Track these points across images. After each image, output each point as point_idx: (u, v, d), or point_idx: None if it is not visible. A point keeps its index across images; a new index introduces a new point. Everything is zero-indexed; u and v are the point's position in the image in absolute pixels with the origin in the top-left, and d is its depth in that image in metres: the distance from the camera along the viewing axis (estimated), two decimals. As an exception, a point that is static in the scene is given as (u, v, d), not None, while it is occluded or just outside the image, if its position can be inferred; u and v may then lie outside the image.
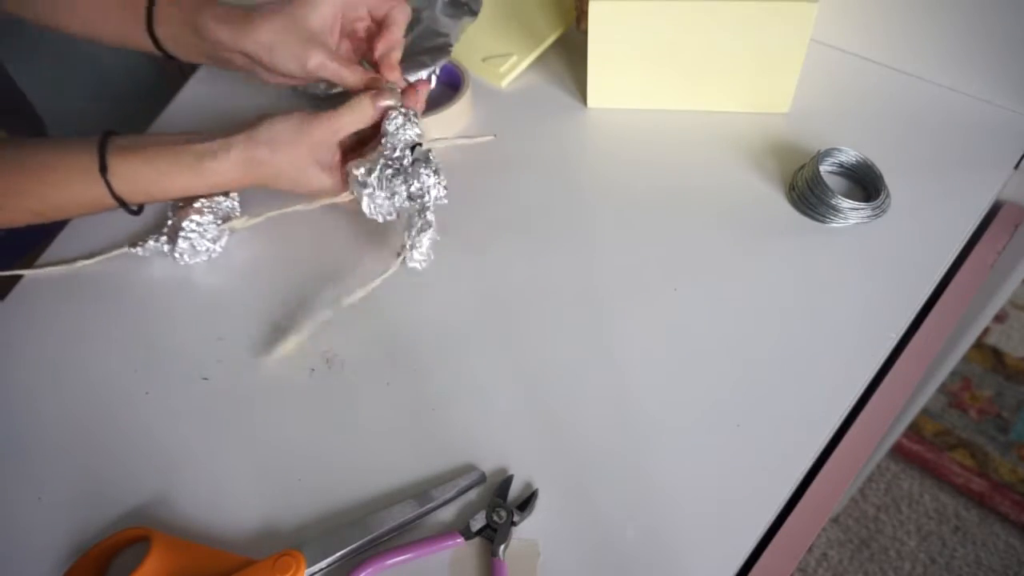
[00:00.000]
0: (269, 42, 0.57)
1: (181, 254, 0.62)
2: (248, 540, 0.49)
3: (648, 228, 0.64)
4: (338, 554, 0.47)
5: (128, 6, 0.61)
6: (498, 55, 0.78)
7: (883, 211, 0.62)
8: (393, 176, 0.56)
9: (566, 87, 0.76)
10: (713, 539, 0.48)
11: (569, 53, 0.79)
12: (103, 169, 0.55)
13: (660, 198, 0.66)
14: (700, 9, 0.64)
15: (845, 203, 0.61)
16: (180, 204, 0.62)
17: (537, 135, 0.71)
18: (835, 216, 0.62)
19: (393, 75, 0.60)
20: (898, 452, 1.49)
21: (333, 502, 0.50)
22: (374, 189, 0.56)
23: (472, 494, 0.50)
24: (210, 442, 0.54)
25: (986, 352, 1.60)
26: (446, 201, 0.58)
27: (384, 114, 0.58)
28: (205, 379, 0.57)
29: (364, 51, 0.63)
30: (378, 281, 0.58)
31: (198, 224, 0.61)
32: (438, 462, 0.51)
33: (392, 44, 0.60)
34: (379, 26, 0.61)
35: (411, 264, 0.57)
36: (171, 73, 1.17)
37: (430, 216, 0.57)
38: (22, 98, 0.77)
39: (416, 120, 0.58)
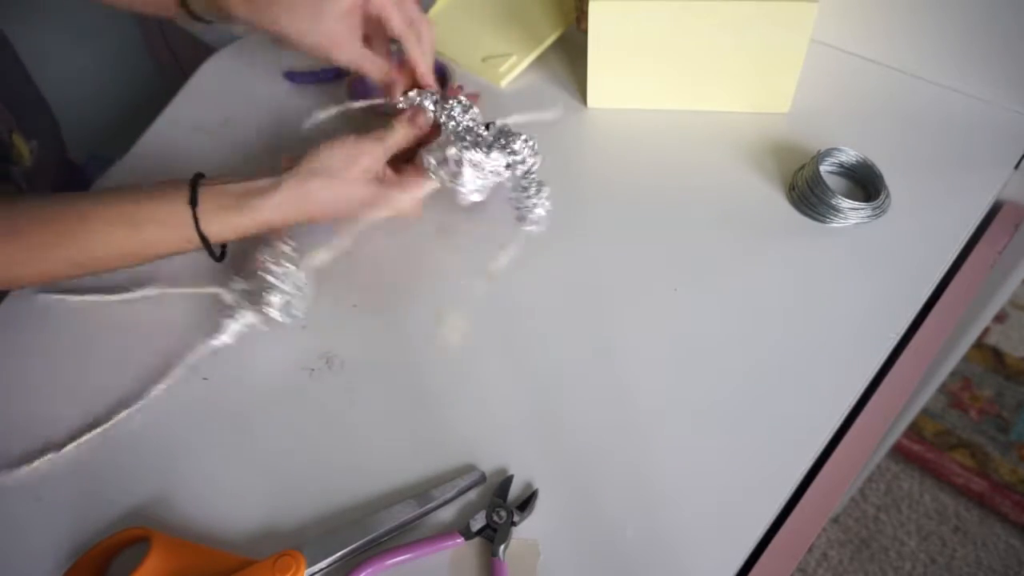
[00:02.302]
0: (291, 31, 0.58)
1: (280, 311, 0.56)
2: (248, 540, 0.49)
3: (648, 228, 0.64)
4: (338, 554, 0.47)
5: None
6: (498, 55, 0.78)
7: (883, 211, 0.62)
8: (483, 151, 0.56)
9: (566, 87, 0.76)
10: (713, 539, 0.48)
11: (569, 53, 0.79)
12: (193, 202, 0.53)
13: (660, 198, 0.66)
14: (700, 9, 0.64)
15: (845, 203, 0.61)
16: (240, 276, 0.58)
17: (537, 135, 0.71)
18: (835, 216, 0.62)
19: (427, 80, 0.63)
20: (898, 452, 1.49)
21: (333, 502, 0.50)
22: (465, 167, 0.56)
23: (472, 494, 0.50)
24: (210, 442, 0.54)
25: (986, 352, 1.60)
26: (539, 166, 0.59)
27: (435, 116, 0.61)
28: (205, 379, 0.57)
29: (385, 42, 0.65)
30: (515, 247, 0.59)
31: (281, 270, 0.56)
32: (438, 462, 0.51)
33: (425, 49, 0.62)
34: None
35: (529, 227, 0.58)
36: (171, 73, 1.17)
37: (538, 176, 0.58)
38: (41, 100, 0.77)
39: (471, 104, 0.60)
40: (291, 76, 0.79)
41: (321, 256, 0.58)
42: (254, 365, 0.57)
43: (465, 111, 0.60)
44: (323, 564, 0.46)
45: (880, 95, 0.72)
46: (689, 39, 0.66)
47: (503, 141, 0.58)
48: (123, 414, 0.54)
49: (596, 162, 0.69)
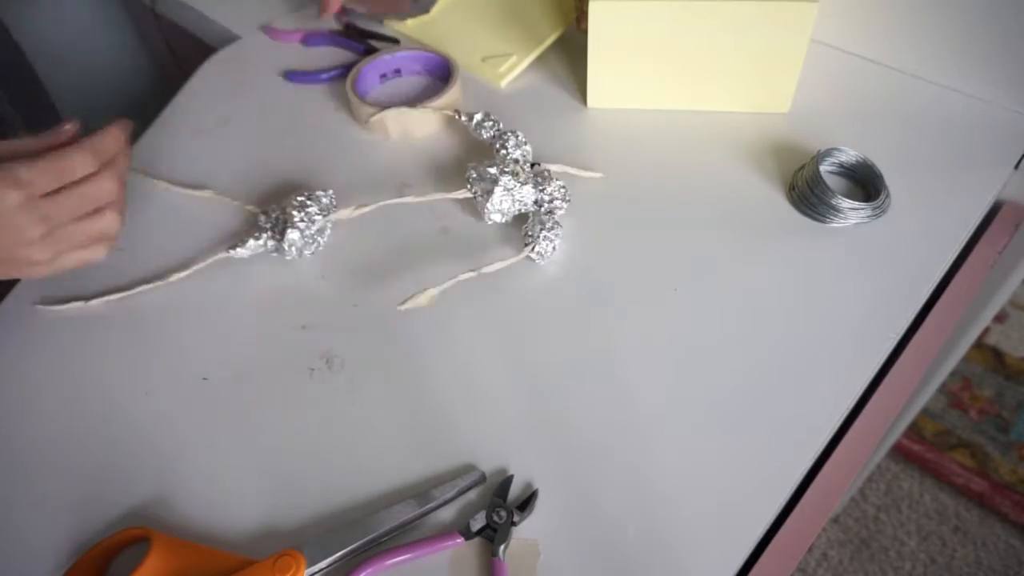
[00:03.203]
0: None
1: (291, 246, 0.61)
2: (248, 540, 0.49)
3: (648, 228, 0.64)
4: (338, 554, 0.47)
5: None
6: (498, 55, 0.78)
7: (883, 211, 0.62)
8: (519, 183, 0.62)
9: (566, 87, 0.76)
10: (713, 539, 0.48)
11: (569, 53, 0.79)
12: None
13: (660, 198, 0.66)
14: (700, 9, 0.64)
15: (845, 203, 0.61)
16: (279, 206, 0.63)
17: (537, 135, 0.71)
18: (835, 216, 0.62)
19: None
20: (898, 452, 1.49)
21: (333, 502, 0.50)
22: (497, 187, 0.61)
23: (472, 494, 0.50)
24: (210, 442, 0.54)
25: (986, 352, 1.60)
26: (564, 211, 0.63)
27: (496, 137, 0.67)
28: (205, 379, 0.57)
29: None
30: (512, 260, 0.60)
31: (306, 214, 0.61)
32: (438, 462, 0.51)
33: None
34: None
35: (534, 256, 0.61)
36: (171, 73, 1.17)
37: (559, 218, 0.63)
38: (48, 100, 0.77)
39: (525, 141, 0.66)
40: (291, 76, 0.79)
41: (344, 213, 0.63)
42: (254, 364, 0.57)
43: (518, 146, 0.65)
44: (323, 564, 0.47)
45: (880, 95, 0.72)
46: (689, 39, 0.66)
47: (539, 180, 0.63)
48: (142, 288, 0.62)
49: (596, 162, 0.69)
